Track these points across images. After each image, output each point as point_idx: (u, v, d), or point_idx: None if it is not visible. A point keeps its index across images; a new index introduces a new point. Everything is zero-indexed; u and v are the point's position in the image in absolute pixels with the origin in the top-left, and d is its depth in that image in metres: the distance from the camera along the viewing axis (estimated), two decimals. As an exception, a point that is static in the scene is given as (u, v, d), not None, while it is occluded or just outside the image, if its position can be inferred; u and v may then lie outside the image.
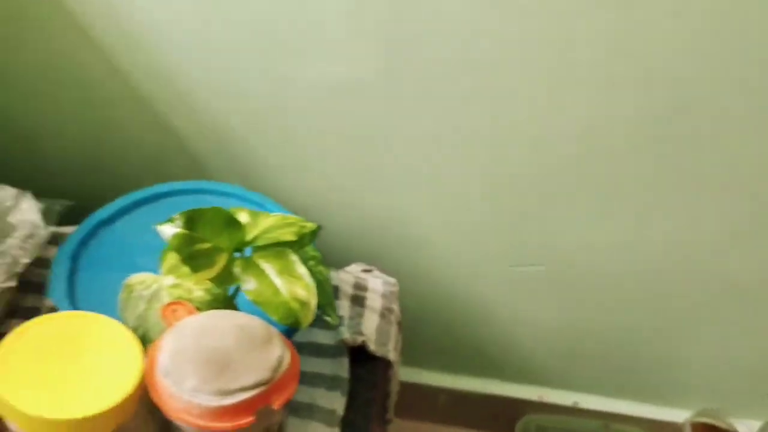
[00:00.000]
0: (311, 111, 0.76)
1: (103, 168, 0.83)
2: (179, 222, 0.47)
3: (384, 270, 0.76)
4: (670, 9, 0.65)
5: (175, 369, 0.44)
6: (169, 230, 0.48)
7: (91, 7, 0.71)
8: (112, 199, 0.69)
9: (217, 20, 0.71)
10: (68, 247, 0.63)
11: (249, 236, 0.51)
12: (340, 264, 0.74)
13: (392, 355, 0.69)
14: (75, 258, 0.63)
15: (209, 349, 0.44)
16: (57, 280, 0.60)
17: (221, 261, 0.49)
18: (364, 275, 0.75)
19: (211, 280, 0.49)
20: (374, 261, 0.78)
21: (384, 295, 0.73)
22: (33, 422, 0.43)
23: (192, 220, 0.47)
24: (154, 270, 0.55)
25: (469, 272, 0.88)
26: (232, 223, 0.49)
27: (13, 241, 0.62)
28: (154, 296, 0.52)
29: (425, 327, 0.93)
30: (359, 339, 0.67)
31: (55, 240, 0.67)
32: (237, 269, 0.49)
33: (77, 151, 0.82)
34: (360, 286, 0.73)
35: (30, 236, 0.63)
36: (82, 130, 0.81)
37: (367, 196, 0.83)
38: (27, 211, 0.64)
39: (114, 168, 0.83)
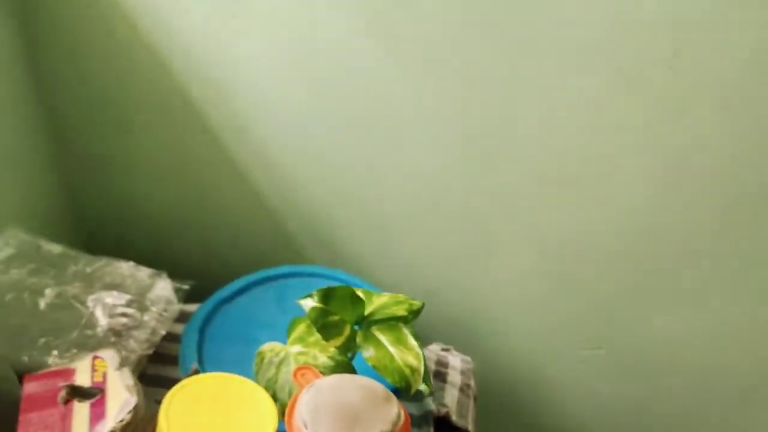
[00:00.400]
0: (399, 200, 0.87)
1: (217, 254, 0.95)
2: (316, 298, 0.57)
3: (459, 350, 0.85)
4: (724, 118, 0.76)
5: (312, 421, 0.52)
6: (308, 304, 0.58)
7: (205, 98, 0.85)
8: (226, 279, 0.80)
9: (323, 117, 0.83)
10: (196, 322, 0.74)
11: (366, 311, 0.60)
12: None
13: (471, 427, 0.76)
14: (202, 331, 0.73)
15: (341, 405, 0.53)
16: (188, 350, 0.70)
17: (347, 331, 0.58)
18: (443, 353, 0.83)
19: (338, 347, 0.58)
20: (450, 341, 0.86)
21: (462, 372, 0.81)
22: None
23: (326, 296, 0.57)
24: (269, 341, 0.64)
25: (537, 353, 0.95)
26: (356, 300, 0.59)
27: (152, 314, 0.73)
28: (282, 362, 0.61)
29: (490, 406, 1.00)
30: (443, 410, 0.74)
31: (179, 317, 0.77)
32: (359, 339, 0.58)
33: (196, 240, 0.95)
34: (441, 363, 0.81)
35: (165, 310, 0.74)
36: (201, 223, 0.94)
37: (444, 280, 0.92)
38: (163, 289, 0.75)
39: (227, 253, 0.94)
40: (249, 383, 0.58)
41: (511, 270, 0.90)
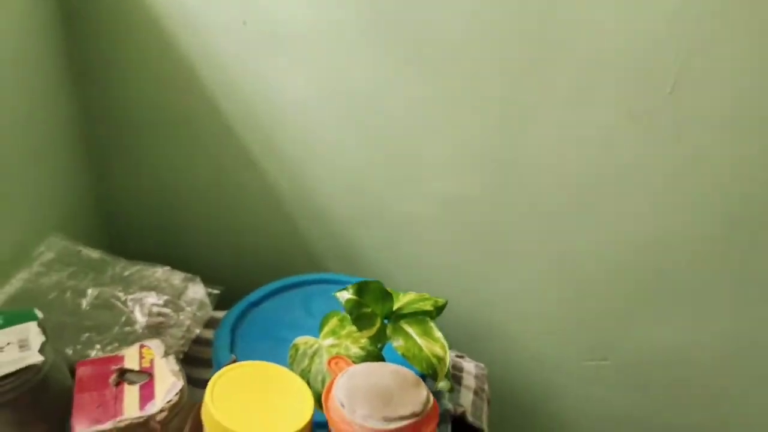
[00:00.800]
0: (417, 217, 0.92)
1: (244, 264, 0.99)
2: (351, 291, 0.62)
3: (472, 357, 0.89)
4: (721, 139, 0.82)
5: (349, 402, 0.56)
6: (344, 296, 0.62)
7: (238, 116, 0.91)
8: (250, 288, 0.84)
9: (352, 141, 0.90)
10: (228, 322, 0.78)
11: (395, 307, 0.65)
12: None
13: (486, 429, 0.80)
14: (233, 331, 0.77)
15: (375, 387, 0.58)
16: (222, 348, 0.75)
17: (377, 323, 0.63)
18: (458, 359, 0.87)
19: (369, 338, 0.63)
20: (463, 349, 0.91)
21: (477, 376, 0.85)
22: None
23: (361, 289, 0.62)
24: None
25: (545, 363, 1.00)
26: (386, 295, 0.64)
27: (186, 314, 0.77)
28: (315, 353, 0.66)
29: (499, 412, 1.03)
30: (460, 409, 0.78)
31: (209, 323, 0.81)
32: (388, 331, 0.63)
33: (226, 249, 1.00)
34: (456, 367, 0.85)
35: (199, 311, 0.78)
36: (231, 233, 0.99)
37: (459, 291, 0.97)
38: (196, 293, 0.80)
39: (254, 261, 0.99)
40: (286, 371, 0.63)
41: (521, 282, 0.95)
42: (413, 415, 0.56)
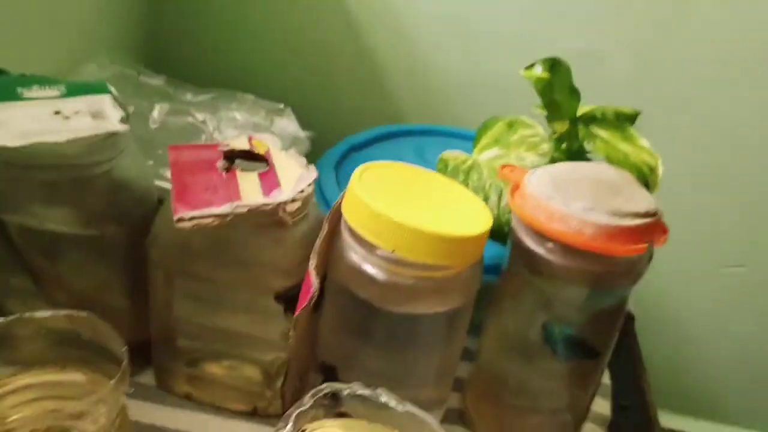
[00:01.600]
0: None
1: (328, 108, 0.84)
2: (542, 66, 0.47)
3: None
4: None
5: (560, 192, 0.41)
6: (536, 72, 0.47)
7: None
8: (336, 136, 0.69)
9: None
10: (330, 159, 0.62)
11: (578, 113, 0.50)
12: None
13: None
14: (336, 168, 0.62)
15: (594, 176, 0.43)
16: (327, 183, 0.59)
17: (567, 119, 0.48)
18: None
19: (558, 138, 0.48)
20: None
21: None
22: (406, 234, 0.39)
23: (553, 68, 0.47)
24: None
25: (679, 270, 0.84)
26: (574, 91, 0.49)
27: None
28: (472, 169, 0.50)
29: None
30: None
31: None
32: (581, 133, 0.48)
33: (303, 98, 0.83)
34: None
35: (293, 144, 0.62)
36: (310, 79, 0.83)
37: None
38: (286, 127, 0.64)
39: (334, 113, 0.83)
40: (445, 178, 0.47)
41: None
42: (648, 214, 0.41)
